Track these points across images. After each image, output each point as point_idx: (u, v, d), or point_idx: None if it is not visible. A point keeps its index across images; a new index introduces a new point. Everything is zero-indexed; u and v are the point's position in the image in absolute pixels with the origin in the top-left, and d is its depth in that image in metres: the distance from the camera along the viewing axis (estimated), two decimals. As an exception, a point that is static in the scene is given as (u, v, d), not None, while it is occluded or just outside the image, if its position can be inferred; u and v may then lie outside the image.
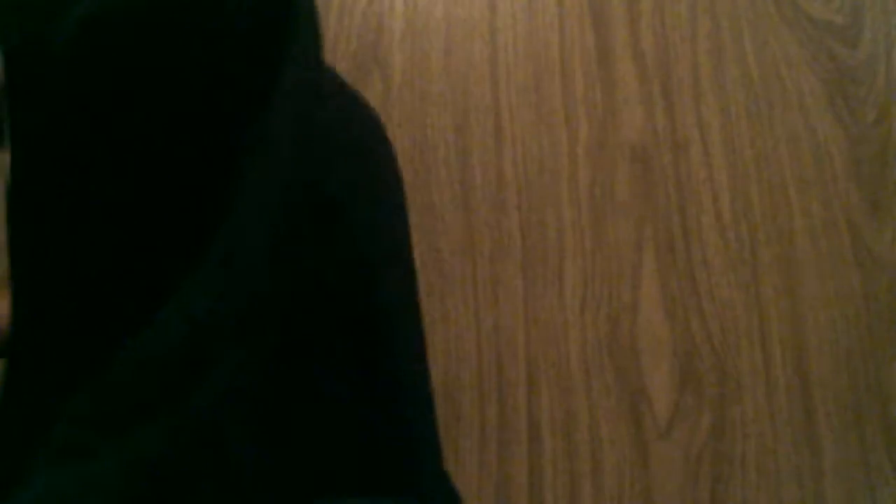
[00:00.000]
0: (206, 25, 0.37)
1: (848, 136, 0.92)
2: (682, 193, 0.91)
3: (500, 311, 0.88)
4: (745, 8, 0.97)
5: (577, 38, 0.98)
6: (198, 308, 0.34)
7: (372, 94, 0.97)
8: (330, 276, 0.39)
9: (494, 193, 0.92)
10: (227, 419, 0.34)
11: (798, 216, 0.89)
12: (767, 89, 0.94)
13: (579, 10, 0.99)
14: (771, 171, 0.91)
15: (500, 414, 0.83)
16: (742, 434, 0.82)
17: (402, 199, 0.50)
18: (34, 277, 0.36)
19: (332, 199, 0.41)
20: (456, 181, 0.93)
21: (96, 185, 0.37)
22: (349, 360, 0.39)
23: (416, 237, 0.92)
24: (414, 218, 0.93)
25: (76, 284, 0.37)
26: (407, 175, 0.94)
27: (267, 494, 0.35)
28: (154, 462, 0.31)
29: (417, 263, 0.91)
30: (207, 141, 0.37)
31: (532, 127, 0.95)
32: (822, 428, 0.82)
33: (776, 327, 0.85)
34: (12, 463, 0.33)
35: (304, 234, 0.38)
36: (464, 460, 0.81)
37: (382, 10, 1.00)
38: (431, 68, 0.98)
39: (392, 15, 1.00)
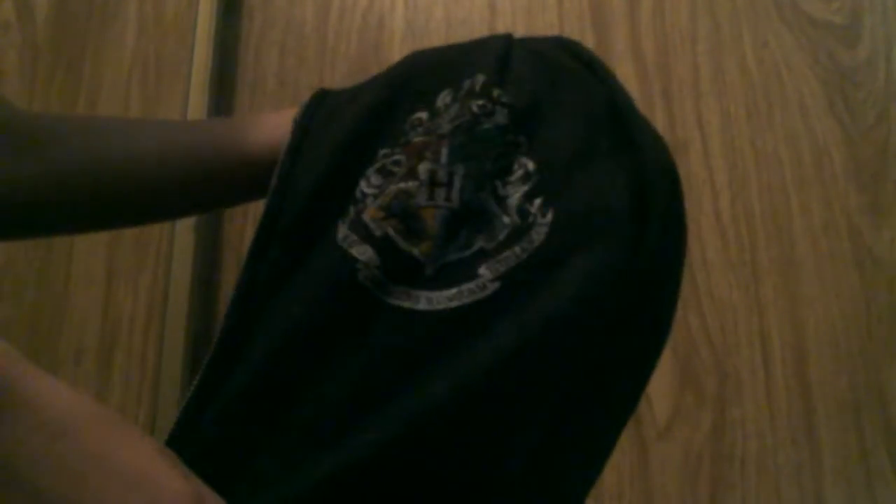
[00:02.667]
0: None
1: (847, 136, 0.92)
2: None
3: (500, 312, 0.88)
4: (745, 8, 0.97)
5: (577, 38, 0.98)
6: None
7: (372, 95, 0.97)
8: None
9: (494, 194, 0.92)
10: None
11: (797, 217, 0.89)
12: (767, 90, 0.94)
13: (579, 10, 0.99)
14: (770, 172, 0.91)
15: (500, 414, 0.83)
16: (742, 434, 0.82)
17: None
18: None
19: None
20: (456, 182, 0.93)
21: None
22: None
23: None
24: (414, 218, 0.93)
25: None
26: (407, 175, 0.94)
27: None
28: None
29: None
30: None
31: (532, 127, 0.95)
32: (821, 428, 0.82)
33: (776, 328, 0.86)
34: None
35: None
36: (464, 461, 0.81)
37: (383, 11, 1.00)
38: (431, 69, 0.98)
39: (392, 16, 1.00)
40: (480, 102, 0.38)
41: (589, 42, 0.97)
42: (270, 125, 0.47)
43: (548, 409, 0.35)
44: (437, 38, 0.99)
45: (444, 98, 0.39)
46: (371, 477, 0.33)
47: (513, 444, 0.35)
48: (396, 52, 0.98)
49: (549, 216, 0.36)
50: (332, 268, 0.36)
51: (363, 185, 0.38)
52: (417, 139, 0.38)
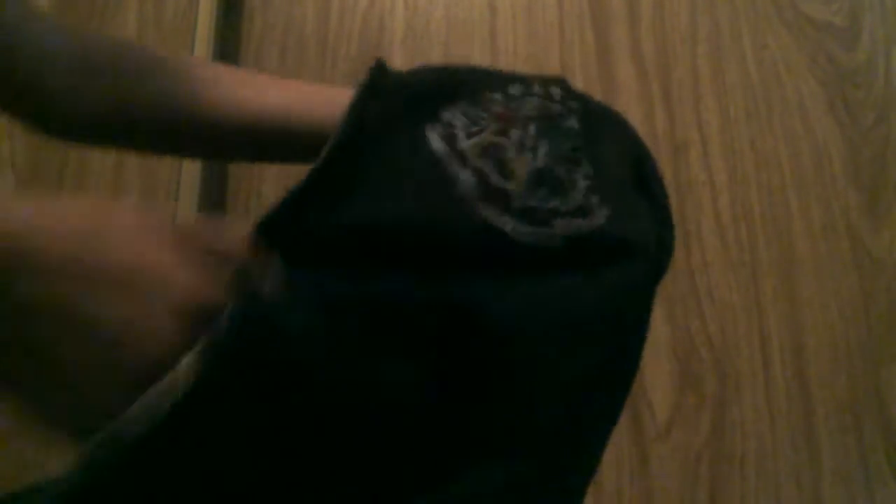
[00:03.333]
0: None
1: (847, 137, 0.92)
2: (682, 195, 0.91)
3: (501, 312, 0.88)
4: (745, 10, 0.97)
5: (577, 39, 0.98)
6: None
7: (372, 95, 0.97)
8: None
9: (495, 194, 0.93)
10: None
11: (797, 218, 0.90)
12: (767, 91, 0.94)
13: (579, 11, 0.99)
14: (770, 173, 0.91)
15: (501, 415, 0.83)
16: (741, 435, 0.82)
17: None
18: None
19: None
20: (456, 182, 0.93)
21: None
22: None
23: (416, 238, 0.92)
24: (414, 219, 0.93)
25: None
26: (407, 176, 0.94)
27: None
28: None
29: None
30: None
31: (532, 128, 0.95)
32: (820, 429, 0.82)
33: (775, 328, 0.86)
34: None
35: None
36: (464, 461, 0.81)
37: (383, 12, 1.00)
38: (432, 69, 0.98)
39: (393, 16, 1.00)
40: (558, 108, 0.43)
41: (589, 42, 0.98)
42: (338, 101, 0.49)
43: (581, 369, 0.40)
44: (437, 38, 0.99)
45: (515, 88, 0.44)
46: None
47: (547, 384, 0.39)
48: (397, 53, 0.98)
49: (606, 211, 0.41)
50: (430, 175, 0.39)
51: (448, 113, 0.41)
52: (500, 108, 0.42)
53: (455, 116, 0.42)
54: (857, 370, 0.84)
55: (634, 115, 0.94)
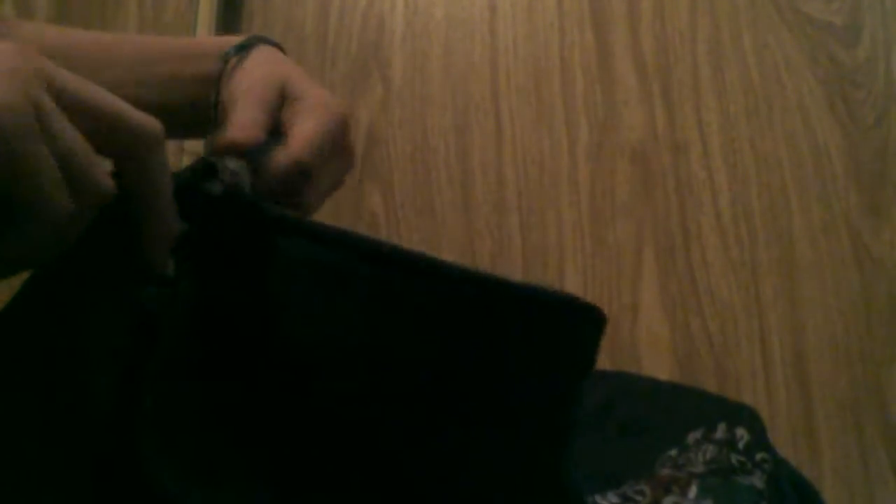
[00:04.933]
0: None
1: (847, 137, 0.92)
2: (682, 194, 0.91)
3: (501, 312, 0.88)
4: (745, 9, 0.97)
5: (577, 39, 0.98)
6: None
7: (372, 96, 0.97)
8: None
9: (495, 194, 0.93)
10: None
11: (797, 217, 0.89)
12: (767, 91, 0.94)
13: (579, 11, 0.99)
14: (770, 173, 0.91)
15: (501, 415, 0.83)
16: (741, 435, 0.82)
17: None
18: None
19: None
20: (456, 182, 0.93)
21: None
22: None
23: (415, 238, 0.92)
24: (413, 219, 0.93)
25: None
26: (407, 176, 0.94)
27: None
28: None
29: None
30: None
31: (532, 128, 0.95)
32: (821, 429, 0.82)
33: (776, 328, 0.86)
34: None
35: None
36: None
37: (383, 11, 1.00)
38: (432, 69, 0.98)
39: (392, 16, 1.00)
40: (742, 458, 0.41)
41: (589, 42, 0.98)
42: None
43: None
44: (437, 38, 0.99)
45: (694, 436, 0.43)
46: None
47: None
48: (396, 53, 0.98)
49: None
50: None
51: (598, 497, 0.39)
52: (665, 472, 0.40)
53: (608, 497, 0.40)
54: (857, 370, 0.84)
55: (634, 115, 0.94)
